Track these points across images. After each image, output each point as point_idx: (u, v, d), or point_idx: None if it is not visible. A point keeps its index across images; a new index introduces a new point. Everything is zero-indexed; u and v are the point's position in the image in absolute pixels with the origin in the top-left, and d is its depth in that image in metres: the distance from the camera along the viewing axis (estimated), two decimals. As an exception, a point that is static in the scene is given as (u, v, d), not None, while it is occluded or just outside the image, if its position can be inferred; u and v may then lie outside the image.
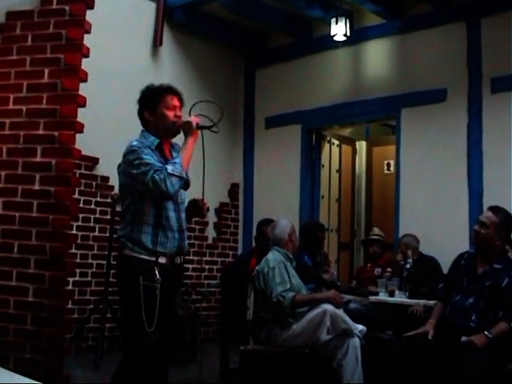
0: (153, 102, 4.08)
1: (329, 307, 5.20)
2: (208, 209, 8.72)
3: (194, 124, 3.99)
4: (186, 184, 4.05)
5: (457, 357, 4.42)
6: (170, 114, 4.05)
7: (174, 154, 4.13)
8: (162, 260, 3.93)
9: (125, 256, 3.94)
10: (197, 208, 4.23)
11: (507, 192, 6.85)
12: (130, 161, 3.87)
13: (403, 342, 4.86)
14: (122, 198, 4.08)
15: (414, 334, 4.84)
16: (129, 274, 3.89)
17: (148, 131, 4.08)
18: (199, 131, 4.04)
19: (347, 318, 5.24)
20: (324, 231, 7.57)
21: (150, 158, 3.88)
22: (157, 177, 3.77)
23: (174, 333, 4.29)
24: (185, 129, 4.02)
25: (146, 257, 3.89)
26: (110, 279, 6.85)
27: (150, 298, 3.81)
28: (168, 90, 4.11)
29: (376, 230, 8.09)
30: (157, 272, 3.86)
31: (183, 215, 4.12)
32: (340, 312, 5.25)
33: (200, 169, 4.07)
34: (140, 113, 4.15)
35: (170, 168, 3.83)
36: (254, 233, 8.06)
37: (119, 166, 4.06)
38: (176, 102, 4.10)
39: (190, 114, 4.11)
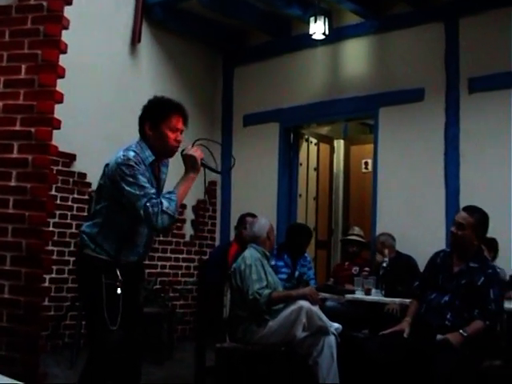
0: (156, 118, 3.88)
1: (305, 304, 5.21)
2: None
3: (199, 160, 3.85)
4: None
5: (432, 355, 4.44)
6: (172, 136, 3.87)
7: (162, 169, 4.05)
8: (122, 261, 3.87)
9: (85, 255, 3.86)
10: None
11: (484, 191, 6.92)
12: (124, 175, 3.71)
13: (379, 341, 4.88)
14: (98, 197, 3.96)
15: (390, 333, 4.85)
16: (90, 273, 3.83)
17: (145, 142, 3.90)
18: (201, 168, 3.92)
19: (323, 316, 5.26)
20: (311, 237, 7.50)
21: (145, 179, 3.74)
22: (150, 209, 3.65)
23: (143, 329, 4.25)
24: (187, 162, 3.86)
25: (106, 258, 3.82)
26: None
27: (113, 296, 3.75)
28: (175, 110, 3.92)
29: (356, 230, 8.08)
30: (118, 272, 3.80)
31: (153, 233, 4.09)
32: (316, 309, 5.27)
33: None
34: (141, 122, 3.95)
35: (165, 204, 3.69)
36: (233, 234, 8.08)
37: (107, 165, 3.88)
38: (180, 125, 3.91)
39: (193, 146, 3.90)
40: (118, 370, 3.86)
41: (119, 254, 3.84)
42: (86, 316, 4.02)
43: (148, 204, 3.66)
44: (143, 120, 3.94)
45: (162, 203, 3.69)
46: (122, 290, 3.80)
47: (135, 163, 3.74)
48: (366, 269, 7.08)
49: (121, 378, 3.94)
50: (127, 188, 3.69)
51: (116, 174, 3.74)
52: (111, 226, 3.84)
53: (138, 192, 3.68)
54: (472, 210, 4.89)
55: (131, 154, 3.78)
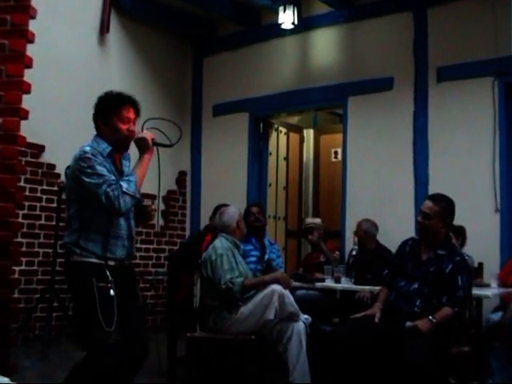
0: (107, 114, 3.94)
1: (277, 287, 5.21)
2: (155, 210, 8.68)
3: (150, 140, 3.93)
4: (137, 203, 3.99)
5: (401, 341, 4.49)
6: (124, 127, 3.93)
7: (124, 162, 4.09)
8: (111, 263, 3.91)
9: (74, 262, 3.87)
10: (145, 214, 4.19)
11: (452, 179, 6.98)
12: (82, 168, 3.77)
13: (349, 325, 4.91)
14: (68, 202, 4.01)
15: (361, 317, 4.89)
16: (81, 277, 3.84)
17: (101, 138, 3.96)
18: (154, 147, 3.99)
19: (294, 302, 5.27)
20: (263, 211, 7.35)
21: (103, 168, 3.80)
22: (111, 193, 3.72)
23: (144, 328, 4.28)
24: (139, 145, 3.94)
25: (95, 260, 3.85)
26: (57, 268, 6.79)
27: (106, 298, 3.78)
28: (125, 102, 3.97)
29: (308, 220, 8.01)
30: (108, 274, 3.84)
31: (133, 222, 4.11)
32: (287, 293, 5.27)
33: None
34: (94, 120, 4.00)
35: (124, 186, 3.77)
36: (203, 224, 8.09)
37: (67, 168, 3.96)
38: (131, 115, 3.97)
39: (142, 130, 4.01)
40: (111, 370, 3.86)
41: (106, 252, 3.88)
42: (82, 320, 4.03)
43: (108, 189, 3.73)
44: (96, 117, 4.00)
45: (121, 186, 3.77)
46: (114, 291, 3.83)
47: (92, 155, 3.82)
48: (337, 252, 7.14)
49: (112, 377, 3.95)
50: (87, 180, 3.77)
51: (76, 170, 3.82)
52: (89, 227, 3.87)
53: (97, 181, 3.75)
54: (437, 198, 4.94)
55: (87, 148, 3.87)
